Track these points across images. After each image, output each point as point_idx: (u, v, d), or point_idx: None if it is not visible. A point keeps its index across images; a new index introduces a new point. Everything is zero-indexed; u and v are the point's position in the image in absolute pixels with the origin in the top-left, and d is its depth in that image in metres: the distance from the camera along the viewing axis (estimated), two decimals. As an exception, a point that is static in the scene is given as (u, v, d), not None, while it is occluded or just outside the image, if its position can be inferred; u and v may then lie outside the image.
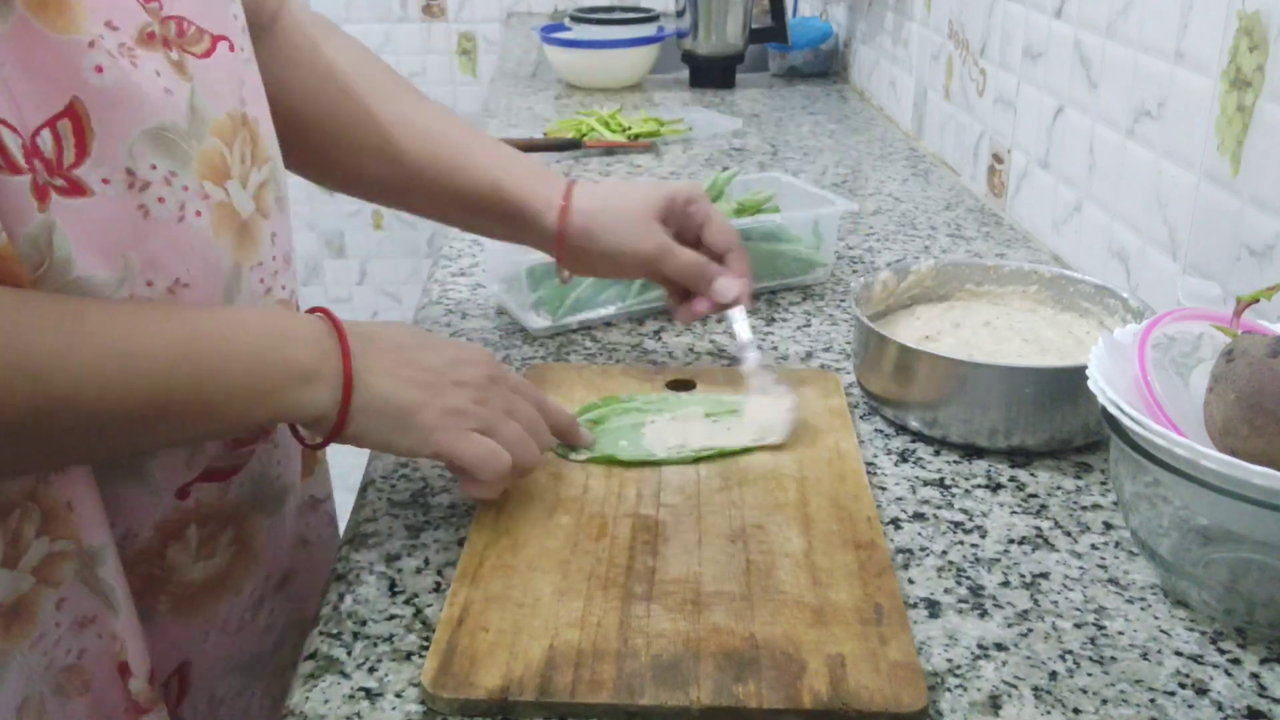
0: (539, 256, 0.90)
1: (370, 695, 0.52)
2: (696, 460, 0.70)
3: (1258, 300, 0.57)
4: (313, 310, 0.61)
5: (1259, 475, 0.48)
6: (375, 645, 0.55)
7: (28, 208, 0.50)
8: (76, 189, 0.52)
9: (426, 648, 0.55)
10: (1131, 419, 0.54)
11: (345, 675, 0.53)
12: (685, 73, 1.88)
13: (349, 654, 0.55)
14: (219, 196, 0.58)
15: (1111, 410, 0.56)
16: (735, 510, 0.65)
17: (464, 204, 0.80)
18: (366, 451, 0.76)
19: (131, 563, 0.60)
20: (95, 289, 0.53)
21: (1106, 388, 0.56)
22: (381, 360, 0.59)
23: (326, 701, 0.52)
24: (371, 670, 0.54)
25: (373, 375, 0.58)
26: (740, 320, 0.78)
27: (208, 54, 0.58)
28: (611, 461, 0.69)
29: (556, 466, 0.69)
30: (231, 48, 0.60)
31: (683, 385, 0.79)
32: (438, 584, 0.60)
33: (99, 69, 0.51)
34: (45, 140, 0.50)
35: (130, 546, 0.60)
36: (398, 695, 0.52)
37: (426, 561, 0.62)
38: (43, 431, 0.51)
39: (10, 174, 0.49)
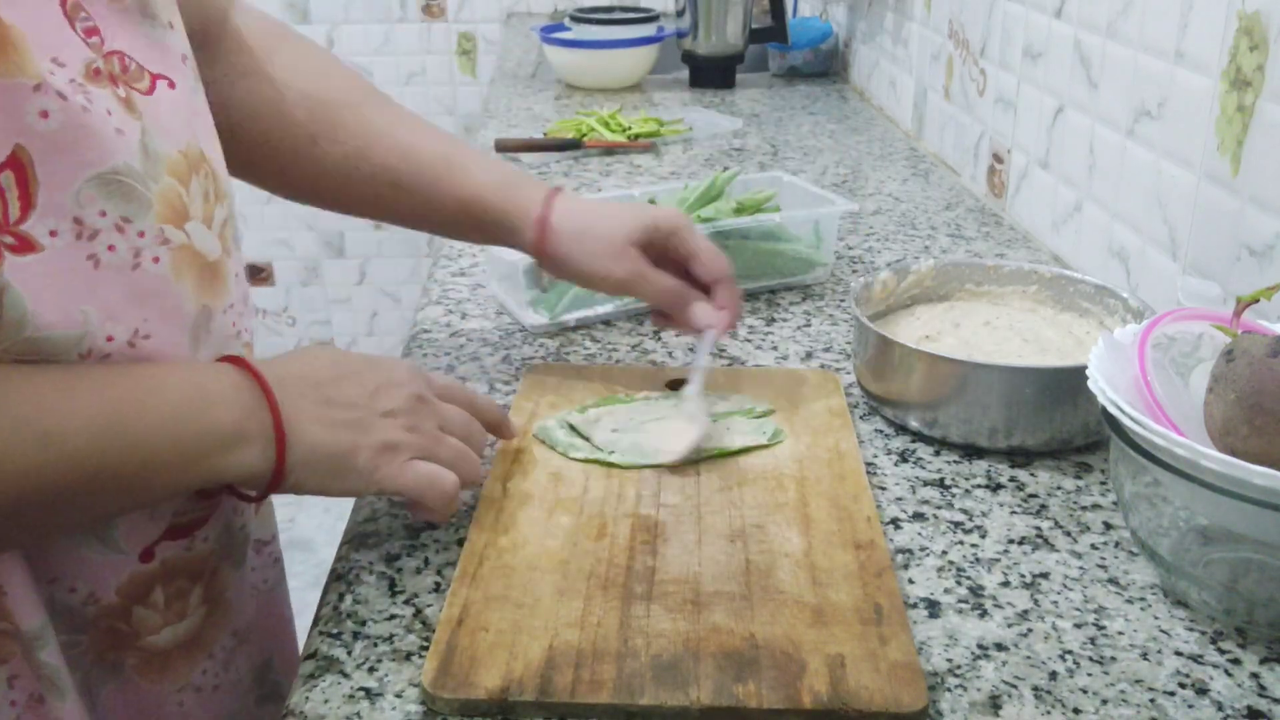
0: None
1: (370, 695, 0.52)
2: (697, 461, 0.69)
3: (1258, 300, 0.57)
4: (224, 359, 0.57)
5: (1259, 475, 0.48)
6: (375, 645, 0.55)
7: None
8: (25, 245, 0.49)
9: (426, 648, 0.55)
10: (1131, 419, 0.54)
11: (345, 675, 0.53)
12: (685, 73, 1.88)
13: (349, 654, 0.55)
14: (179, 240, 0.55)
15: (1111, 410, 0.56)
16: (735, 510, 0.65)
17: (440, 216, 0.79)
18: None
19: (95, 620, 0.58)
20: (54, 346, 0.50)
21: (1106, 388, 0.56)
22: (305, 405, 0.57)
23: (326, 701, 0.52)
24: (371, 670, 0.54)
25: (302, 426, 0.56)
26: (704, 349, 0.77)
27: (149, 91, 0.55)
28: (612, 465, 0.69)
29: (556, 467, 0.69)
30: (171, 85, 0.57)
31: (683, 385, 0.79)
32: (437, 584, 0.60)
33: (44, 114, 0.48)
34: None
35: (93, 607, 0.57)
36: (398, 695, 0.52)
37: (426, 561, 0.62)
38: None
39: None
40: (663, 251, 0.77)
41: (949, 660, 0.54)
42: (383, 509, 0.67)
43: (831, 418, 0.75)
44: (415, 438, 0.60)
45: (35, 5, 0.49)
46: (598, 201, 0.81)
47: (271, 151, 0.75)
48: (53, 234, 0.49)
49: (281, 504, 1.94)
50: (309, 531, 2.33)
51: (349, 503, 0.68)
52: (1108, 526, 0.65)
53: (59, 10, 0.51)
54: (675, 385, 0.79)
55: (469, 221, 0.79)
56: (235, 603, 0.65)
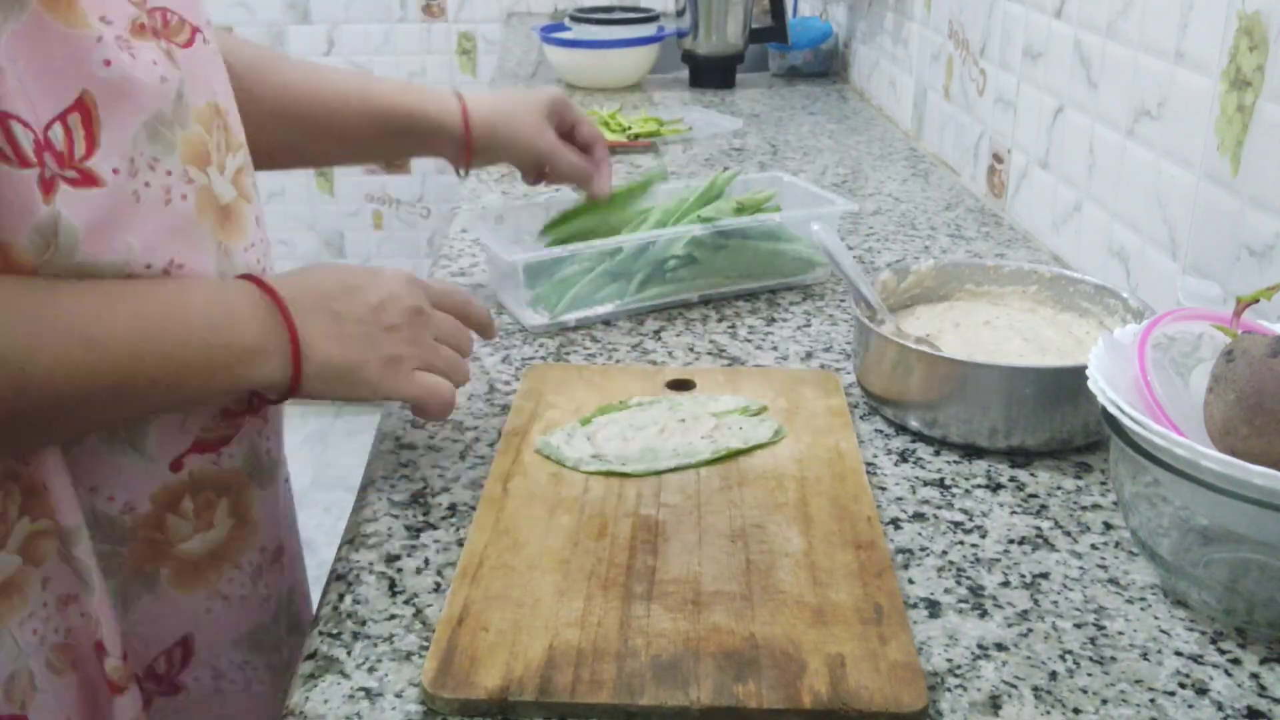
0: (536, 253, 0.90)
1: (370, 695, 0.52)
2: (698, 465, 0.69)
3: (1258, 300, 0.57)
4: (243, 277, 0.62)
5: (1259, 475, 0.48)
6: (375, 645, 0.55)
7: (34, 200, 0.52)
8: (89, 179, 0.54)
9: (426, 648, 0.55)
10: (1131, 419, 0.54)
11: (345, 675, 0.53)
12: (685, 73, 1.88)
13: (349, 654, 0.55)
14: (201, 181, 0.61)
15: (1111, 410, 0.56)
16: (735, 510, 0.65)
17: (366, 134, 0.88)
18: (366, 452, 0.76)
19: (133, 531, 0.63)
20: (99, 271, 0.55)
21: (1106, 388, 0.56)
22: (317, 321, 0.62)
23: (326, 701, 0.52)
24: (371, 670, 0.54)
25: (315, 341, 0.61)
26: (860, 277, 0.81)
27: (188, 44, 0.61)
28: (614, 474, 0.69)
29: (557, 468, 0.69)
30: (206, 40, 0.63)
31: (682, 385, 0.79)
32: (438, 584, 0.60)
33: (107, 62, 0.54)
34: (56, 133, 0.53)
35: (131, 516, 0.62)
36: (398, 695, 0.52)
37: (426, 562, 0.62)
38: (18, 415, 0.53)
39: (20, 167, 0.51)
40: (557, 124, 0.94)
41: (949, 660, 0.54)
42: (381, 509, 0.67)
43: (832, 418, 0.75)
44: (416, 349, 0.65)
45: None
46: (497, 93, 0.95)
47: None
48: (115, 171, 0.55)
49: (281, 504, 1.89)
50: (309, 531, 2.32)
51: (349, 503, 0.68)
52: (1108, 526, 0.65)
53: None
54: (675, 386, 0.79)
55: (394, 130, 0.88)
56: (261, 522, 0.69)
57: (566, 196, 1.05)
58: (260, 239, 0.67)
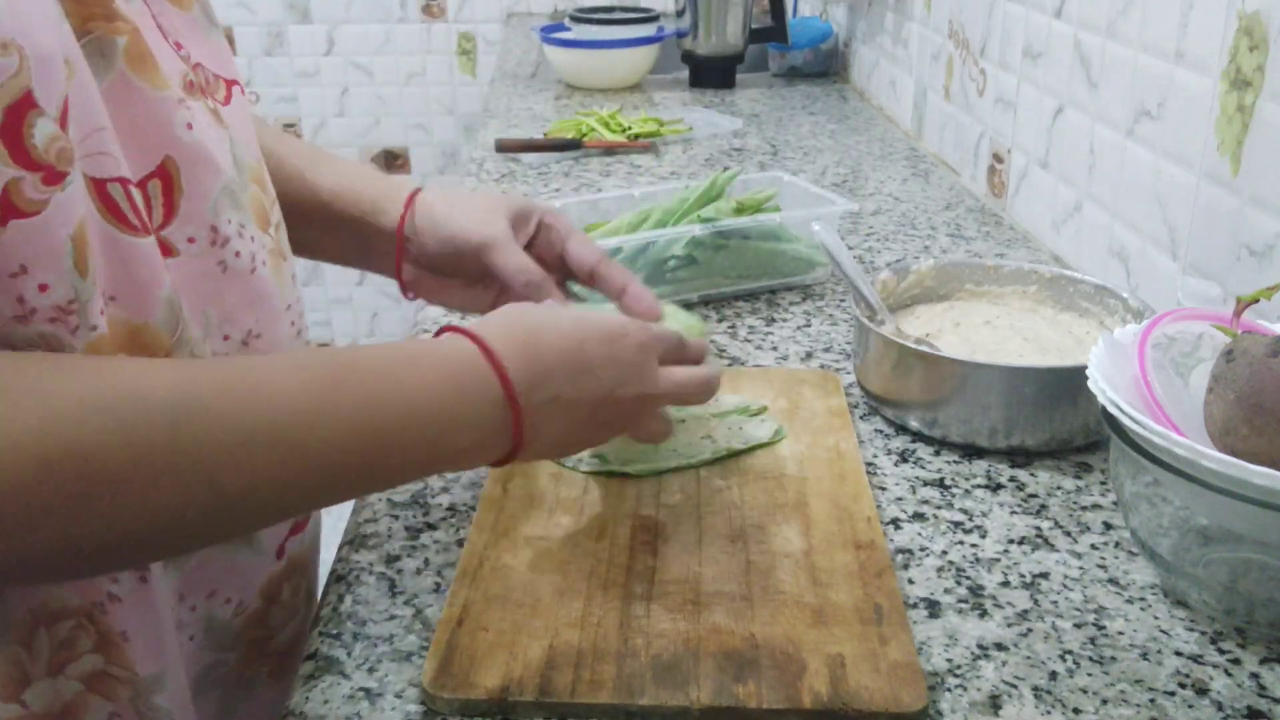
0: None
1: (370, 695, 0.52)
2: (698, 465, 0.69)
3: (1258, 300, 0.57)
4: (479, 346, 0.53)
5: (1259, 475, 0.48)
6: (375, 645, 0.55)
7: (159, 269, 0.49)
8: (164, 250, 0.51)
9: (426, 648, 0.55)
10: (1131, 419, 0.54)
11: (345, 675, 0.53)
12: (685, 73, 1.88)
13: (349, 654, 0.55)
14: (268, 243, 0.58)
15: (1111, 410, 0.56)
16: (735, 510, 0.65)
17: (306, 218, 0.72)
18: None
19: (240, 633, 0.61)
20: (192, 349, 0.52)
21: (1106, 388, 0.56)
22: (545, 415, 0.54)
23: (326, 702, 0.52)
24: (371, 670, 0.54)
25: (539, 432, 0.55)
26: (860, 277, 0.80)
27: (227, 100, 0.57)
28: (614, 474, 0.68)
29: (557, 469, 0.69)
30: (243, 91, 0.60)
31: None
32: (437, 584, 0.60)
33: (189, 126, 0.51)
34: (138, 200, 0.49)
35: (240, 618, 0.60)
36: (398, 695, 0.52)
37: (426, 562, 0.62)
38: (214, 528, 0.48)
39: (143, 235, 0.48)
40: (532, 239, 0.73)
41: (949, 660, 0.54)
42: (383, 509, 0.67)
43: (831, 418, 0.75)
44: (635, 418, 0.60)
45: (140, 21, 0.50)
46: (461, 195, 0.75)
47: None
48: (191, 240, 0.52)
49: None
50: (309, 532, 2.33)
51: (349, 504, 0.68)
52: (1108, 526, 0.65)
53: (155, 25, 0.52)
54: None
55: (333, 214, 0.73)
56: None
57: (580, 200, 1.04)
58: (297, 298, 0.62)
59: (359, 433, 0.48)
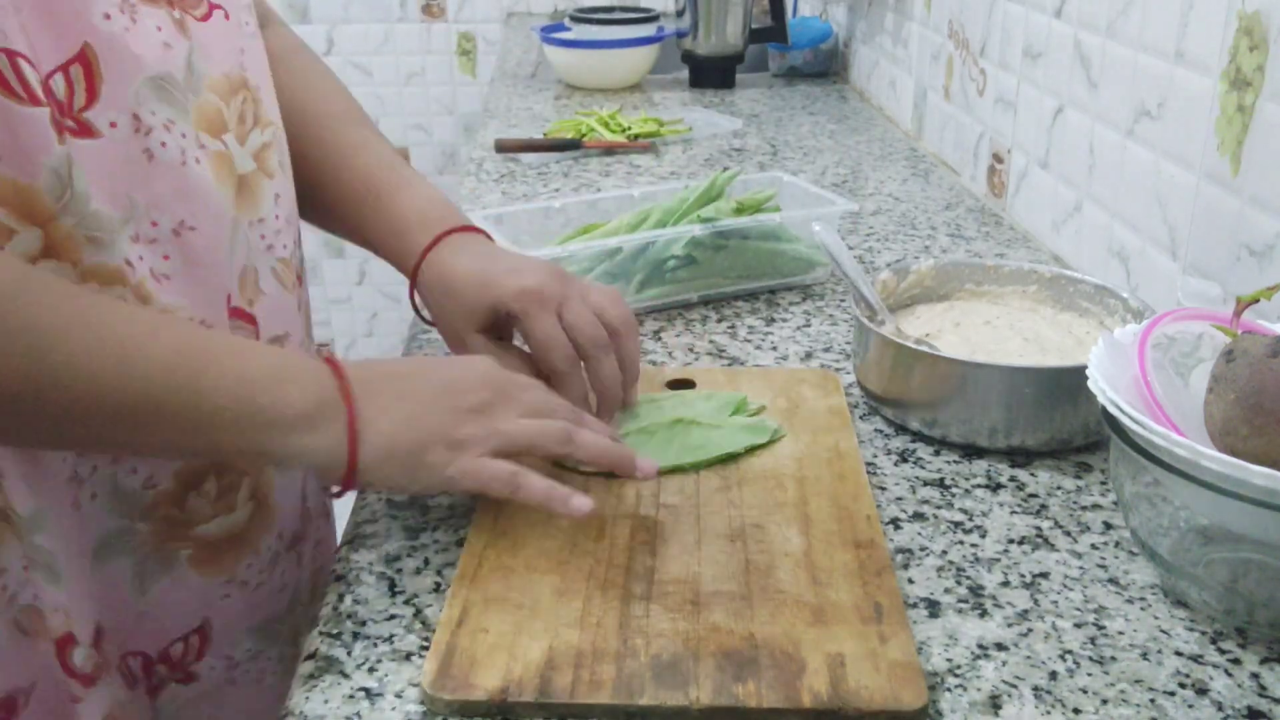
0: (533, 254, 0.90)
1: (370, 695, 0.52)
2: (697, 467, 0.69)
3: (1258, 300, 0.57)
4: (324, 360, 0.59)
5: (1259, 475, 0.48)
6: (375, 645, 0.55)
7: (49, 138, 0.53)
8: (86, 130, 0.55)
9: (426, 648, 0.55)
10: (1131, 419, 0.54)
11: (345, 675, 0.53)
12: (685, 73, 1.88)
13: (349, 654, 0.55)
14: (215, 147, 0.61)
15: (1111, 410, 0.56)
16: (734, 510, 0.65)
17: (362, 232, 0.76)
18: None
19: (153, 506, 0.62)
20: (101, 223, 0.55)
21: (1106, 388, 0.56)
22: (382, 400, 0.58)
23: (326, 702, 0.52)
24: (371, 670, 0.54)
25: (376, 419, 0.57)
26: (860, 277, 0.80)
27: (205, 18, 0.62)
28: (613, 475, 0.68)
29: (556, 470, 0.69)
30: (227, 16, 0.64)
31: (682, 385, 0.79)
32: (437, 584, 0.60)
33: (107, 16, 0.55)
34: (58, 83, 0.54)
35: (154, 492, 0.62)
36: (397, 695, 0.52)
37: (426, 562, 0.62)
38: (31, 408, 0.51)
39: (31, 105, 0.52)
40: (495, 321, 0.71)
41: (949, 660, 0.54)
42: (381, 510, 0.67)
43: (831, 417, 0.75)
44: (489, 431, 0.59)
45: None
46: (476, 257, 0.72)
47: None
48: (113, 125, 0.56)
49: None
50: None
51: (348, 504, 0.68)
52: (1108, 526, 0.65)
53: None
54: (676, 385, 0.79)
55: (393, 256, 0.75)
56: (281, 506, 0.69)
57: (579, 200, 1.04)
58: (274, 215, 0.66)
59: (182, 354, 0.54)
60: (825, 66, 1.95)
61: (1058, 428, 0.71)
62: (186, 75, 0.59)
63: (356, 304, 2.78)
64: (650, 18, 1.87)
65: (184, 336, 0.56)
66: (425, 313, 0.75)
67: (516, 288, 0.68)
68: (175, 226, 0.59)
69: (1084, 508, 0.67)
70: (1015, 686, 0.52)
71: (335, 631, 0.56)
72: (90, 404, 0.52)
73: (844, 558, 0.60)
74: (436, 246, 0.72)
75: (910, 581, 0.60)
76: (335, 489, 0.60)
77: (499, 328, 0.71)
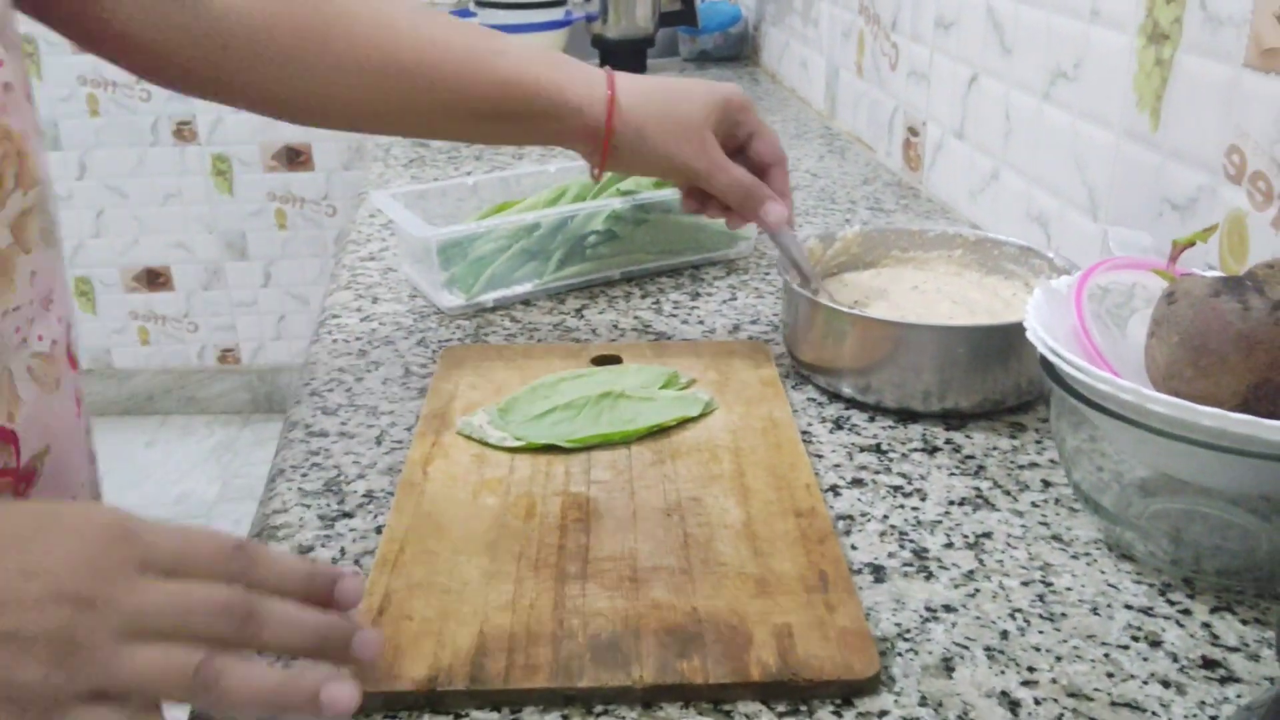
0: (450, 233, 0.86)
1: (285, 695, 0.48)
2: (627, 438, 0.66)
3: (1194, 244, 0.56)
4: None
5: (1207, 416, 0.47)
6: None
7: None
8: None
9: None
10: (1074, 366, 0.52)
11: (257, 675, 0.49)
12: (595, 58, 1.84)
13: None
14: None
15: (1051, 359, 0.54)
16: (669, 484, 0.62)
17: (484, 109, 0.69)
18: (273, 444, 0.72)
19: None
20: None
21: (1046, 337, 0.55)
22: None
23: (236, 704, 0.47)
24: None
25: None
26: (791, 243, 0.76)
27: None
28: (540, 449, 0.65)
29: (480, 449, 0.65)
30: None
31: (608, 361, 0.76)
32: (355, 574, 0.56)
33: None
34: None
35: None
36: (315, 693, 0.48)
37: (342, 551, 0.58)
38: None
39: None
40: (727, 133, 0.74)
41: (898, 625, 0.52)
42: (294, 499, 0.63)
43: (764, 387, 0.73)
44: (65, 676, 0.35)
45: None
46: (658, 79, 0.75)
47: (269, 60, 0.65)
48: None
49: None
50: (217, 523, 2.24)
51: (255, 493, 0.64)
52: (1046, 484, 0.64)
53: None
54: (600, 361, 0.76)
55: (512, 106, 0.69)
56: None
57: (495, 179, 1.01)
58: (29, 300, 0.52)
59: None
60: (736, 50, 1.93)
61: (990, 388, 0.70)
62: None
63: (263, 308, 2.69)
64: (558, 1, 1.83)
65: None
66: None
67: (732, 89, 0.74)
68: None
69: (1021, 466, 0.66)
70: (967, 648, 0.51)
71: None
72: None
73: (785, 527, 0.58)
74: (616, 75, 0.71)
75: (854, 548, 0.58)
76: None
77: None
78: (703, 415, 0.69)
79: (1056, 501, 0.62)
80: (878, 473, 0.65)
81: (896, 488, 0.64)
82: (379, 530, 0.59)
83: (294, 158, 2.56)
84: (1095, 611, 0.53)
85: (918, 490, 0.63)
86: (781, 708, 0.47)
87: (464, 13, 1.83)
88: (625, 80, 0.72)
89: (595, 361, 0.76)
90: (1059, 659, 0.50)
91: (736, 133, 0.74)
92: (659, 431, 0.67)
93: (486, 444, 0.65)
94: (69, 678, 0.35)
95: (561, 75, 0.70)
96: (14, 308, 0.51)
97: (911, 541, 0.59)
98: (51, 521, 0.38)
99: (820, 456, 0.67)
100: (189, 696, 0.37)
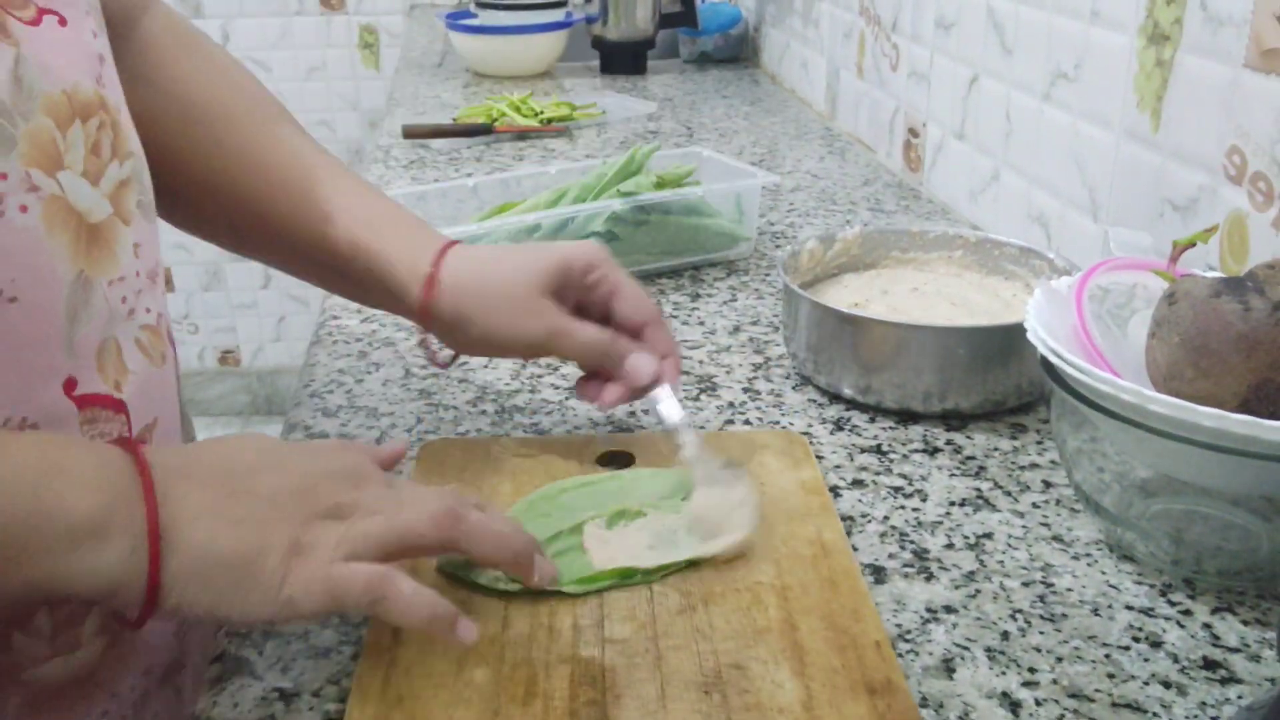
0: (450, 235, 0.86)
1: (285, 696, 0.48)
2: (648, 576, 0.54)
3: (1194, 244, 0.56)
4: (112, 442, 0.46)
5: (1207, 416, 0.47)
6: (288, 644, 0.51)
7: None
8: None
9: (345, 642, 0.51)
10: (1075, 366, 0.52)
11: (256, 677, 0.49)
12: (596, 60, 1.85)
13: (260, 654, 0.51)
14: (50, 188, 0.47)
15: (1052, 359, 0.54)
16: (704, 643, 0.49)
17: (314, 261, 0.65)
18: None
19: None
20: None
21: (1046, 337, 0.55)
22: (202, 499, 0.44)
23: (236, 705, 0.48)
24: (285, 670, 0.50)
25: (189, 523, 0.43)
26: (666, 401, 0.62)
27: (34, 21, 0.48)
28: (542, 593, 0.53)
29: (466, 594, 0.53)
30: (63, 21, 0.49)
31: (616, 457, 0.65)
32: (356, 575, 0.56)
33: None
34: None
35: None
36: (315, 695, 0.48)
37: (343, 552, 0.58)
38: None
39: None
40: (582, 297, 0.63)
41: (898, 625, 0.52)
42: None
43: (807, 497, 0.60)
44: (334, 534, 0.45)
45: None
46: (498, 248, 0.66)
47: (154, 168, 0.60)
48: None
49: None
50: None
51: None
52: (1047, 485, 0.64)
53: None
54: (608, 459, 0.65)
55: (349, 273, 0.64)
56: (151, 636, 0.56)
57: (495, 181, 1.01)
58: (135, 272, 0.52)
59: None
60: (736, 51, 1.94)
61: (991, 389, 0.70)
62: (13, 93, 0.45)
63: (263, 309, 2.69)
64: (559, 2, 1.83)
65: None
66: (438, 336, 0.64)
67: (578, 247, 0.62)
68: None
69: (1022, 467, 0.66)
70: (967, 649, 0.51)
71: (243, 632, 0.52)
72: None
73: (856, 711, 0.45)
74: (452, 245, 0.63)
75: (854, 549, 0.58)
76: (131, 613, 0.43)
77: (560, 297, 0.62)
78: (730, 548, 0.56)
79: (1057, 502, 0.62)
80: (878, 474, 0.65)
81: (897, 489, 0.64)
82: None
83: (294, 159, 2.56)
84: (1096, 612, 0.53)
85: (918, 491, 0.63)
86: None
87: (465, 14, 1.83)
88: (455, 255, 0.63)
89: (602, 460, 0.64)
90: (1060, 660, 0.50)
91: (591, 296, 0.63)
92: (686, 568, 0.55)
93: (475, 584, 0.53)
94: (342, 536, 0.45)
95: (391, 247, 0.63)
96: (119, 277, 0.51)
97: (912, 542, 0.59)
98: (333, 445, 0.52)
99: (821, 457, 0.67)
100: (437, 535, 0.47)
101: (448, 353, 0.67)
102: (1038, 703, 0.47)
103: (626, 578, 0.54)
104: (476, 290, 0.61)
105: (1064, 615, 0.53)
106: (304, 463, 0.48)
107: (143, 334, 0.54)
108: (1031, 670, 0.49)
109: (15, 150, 0.45)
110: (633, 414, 0.72)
